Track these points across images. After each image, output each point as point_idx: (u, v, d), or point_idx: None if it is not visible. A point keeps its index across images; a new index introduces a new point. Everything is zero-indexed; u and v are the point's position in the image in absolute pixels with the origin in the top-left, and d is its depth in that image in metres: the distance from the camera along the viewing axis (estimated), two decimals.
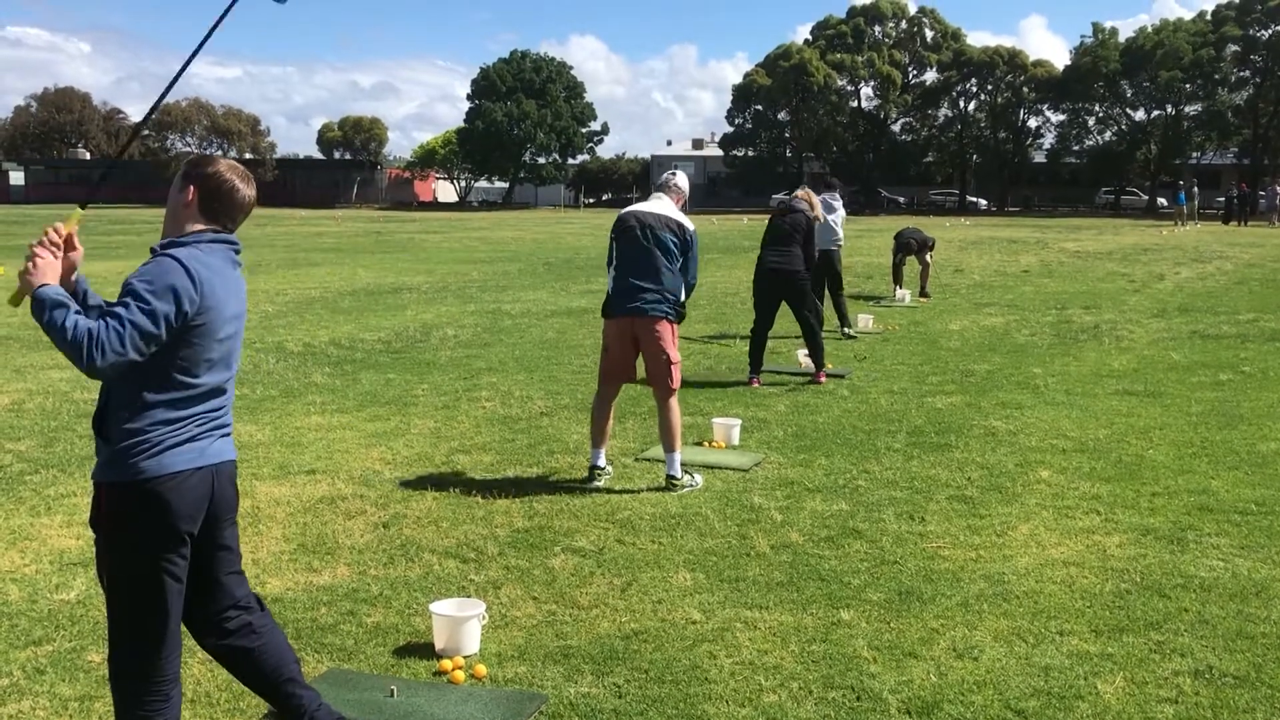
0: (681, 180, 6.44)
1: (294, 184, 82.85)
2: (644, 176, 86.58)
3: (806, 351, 9.49)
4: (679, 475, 6.06)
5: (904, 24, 75.44)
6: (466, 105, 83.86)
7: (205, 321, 2.85)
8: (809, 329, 9.25)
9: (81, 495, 5.75)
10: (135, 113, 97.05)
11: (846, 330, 12.23)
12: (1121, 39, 68.98)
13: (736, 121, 76.79)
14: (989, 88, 73.94)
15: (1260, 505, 5.73)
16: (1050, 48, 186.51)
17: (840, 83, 73.20)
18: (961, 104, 75.64)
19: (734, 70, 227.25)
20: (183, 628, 3.06)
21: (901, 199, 75.47)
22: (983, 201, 74.66)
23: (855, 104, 76.05)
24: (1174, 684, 3.71)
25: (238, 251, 3.04)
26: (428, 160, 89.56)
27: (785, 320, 9.84)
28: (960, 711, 3.53)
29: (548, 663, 3.90)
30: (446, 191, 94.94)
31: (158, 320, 2.76)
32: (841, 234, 12.56)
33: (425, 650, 3.99)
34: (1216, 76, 65.20)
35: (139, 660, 2.92)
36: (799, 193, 9.66)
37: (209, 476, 2.93)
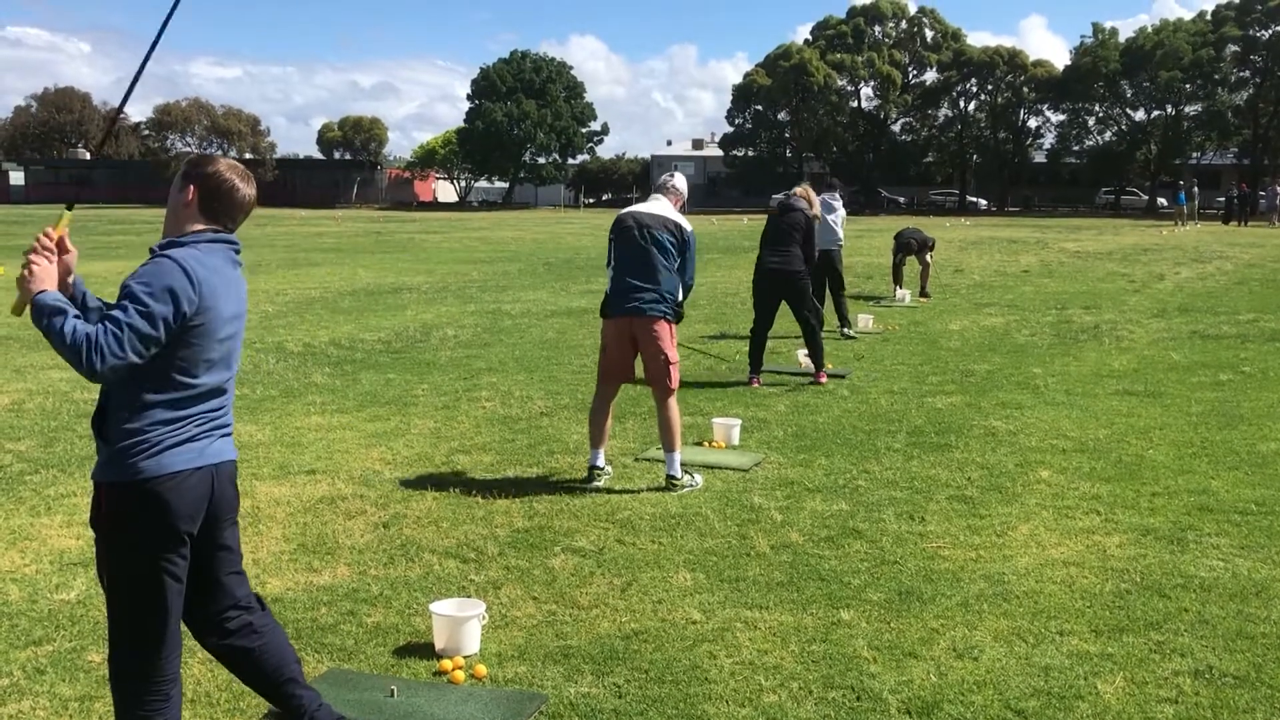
0: (679, 182, 6.45)
1: (294, 184, 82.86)
2: (644, 176, 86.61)
3: (806, 352, 9.49)
4: (679, 475, 6.06)
5: (904, 24, 75.47)
6: (466, 105, 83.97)
7: (204, 322, 2.85)
8: (809, 329, 9.25)
9: (81, 495, 5.75)
10: (135, 112, 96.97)
11: (846, 331, 12.22)
12: (1121, 39, 69.01)
13: (736, 121, 76.82)
14: (989, 88, 73.96)
15: (1260, 505, 5.73)
16: (1050, 48, 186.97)
17: (840, 83, 73.22)
18: (961, 104, 75.67)
19: (734, 70, 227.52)
20: (183, 627, 3.06)
21: (901, 199, 75.48)
22: (983, 201, 74.68)
23: (855, 104, 76.07)
24: (1174, 684, 3.71)
25: (238, 251, 3.04)
26: (428, 160, 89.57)
27: (785, 320, 9.84)
28: (960, 711, 3.53)
29: (548, 663, 3.90)
30: (446, 191, 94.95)
31: (156, 323, 2.76)
32: (842, 234, 12.56)
33: (425, 650, 3.99)
34: (1216, 77, 65.22)
35: (139, 660, 2.92)
36: (797, 190, 9.61)
37: (208, 476, 2.93)
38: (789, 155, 76.01)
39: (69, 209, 3.04)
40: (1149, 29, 68.55)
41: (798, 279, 9.20)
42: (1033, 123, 75.34)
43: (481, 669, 3.83)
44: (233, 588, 3.09)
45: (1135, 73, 66.95)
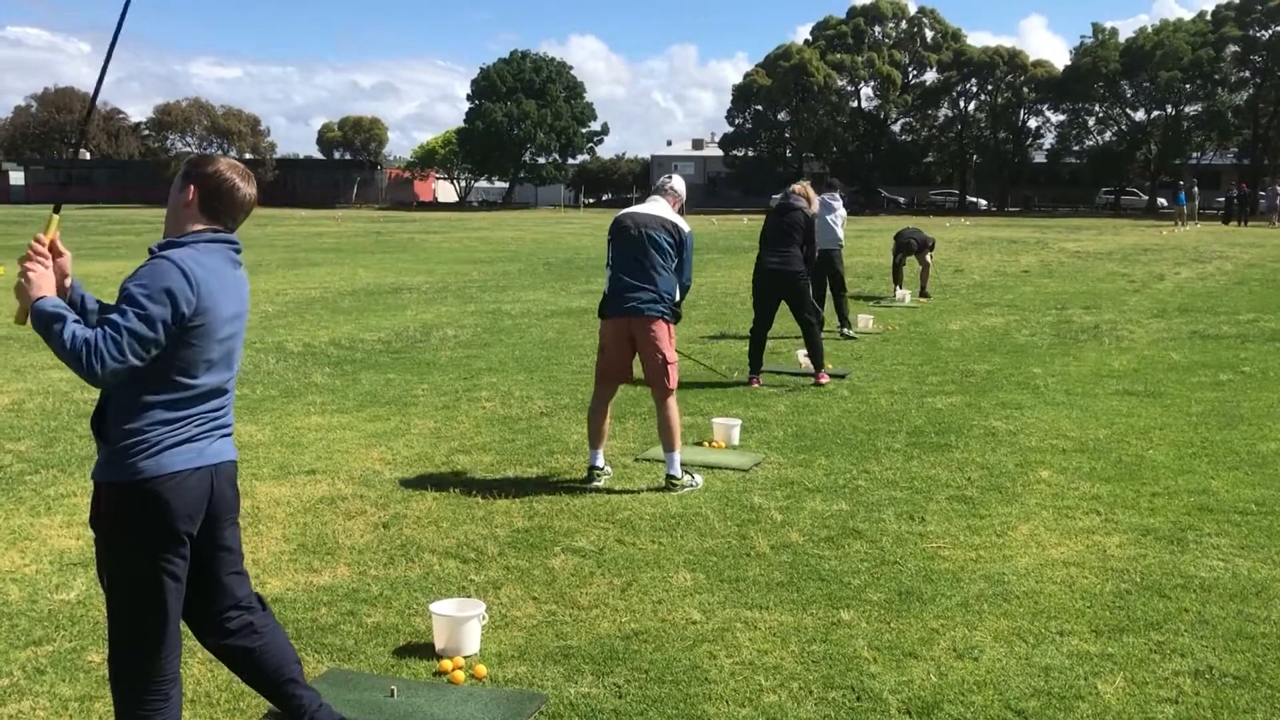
0: (678, 184, 6.48)
1: (294, 184, 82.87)
2: (644, 176, 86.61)
3: (806, 352, 9.49)
4: (679, 475, 6.06)
5: (904, 24, 75.46)
6: (466, 105, 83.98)
7: (203, 323, 2.85)
8: (808, 330, 9.25)
9: (81, 495, 5.75)
10: (135, 113, 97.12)
11: (846, 331, 12.22)
12: (1121, 39, 69.01)
13: (736, 121, 76.81)
14: (989, 88, 73.95)
15: (1260, 505, 5.73)
16: (1050, 48, 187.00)
17: (840, 83, 73.22)
18: (961, 104, 75.67)
19: (734, 70, 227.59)
20: (184, 627, 3.06)
21: (901, 199, 75.49)
22: (983, 202, 74.68)
23: (855, 104, 76.07)
24: (1174, 684, 3.71)
25: (238, 251, 3.04)
26: (428, 160, 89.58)
27: (785, 320, 9.84)
28: (960, 712, 3.53)
29: (548, 663, 3.90)
30: (446, 191, 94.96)
31: (155, 325, 2.76)
32: (842, 234, 12.55)
33: (425, 650, 3.99)
34: (1216, 77, 65.22)
35: (139, 660, 2.92)
36: (796, 188, 9.56)
37: (208, 476, 2.93)
38: (789, 155, 76.01)
39: (56, 212, 3.03)
40: (1149, 29, 68.58)
41: (798, 279, 9.20)
42: (1033, 123, 75.41)
43: (481, 669, 3.83)
44: (233, 588, 3.09)
45: (1135, 73, 66.96)
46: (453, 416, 7.95)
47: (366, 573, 4.78)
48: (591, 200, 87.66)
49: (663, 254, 6.08)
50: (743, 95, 75.25)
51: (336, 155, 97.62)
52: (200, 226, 2.96)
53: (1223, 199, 52.55)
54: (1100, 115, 71.79)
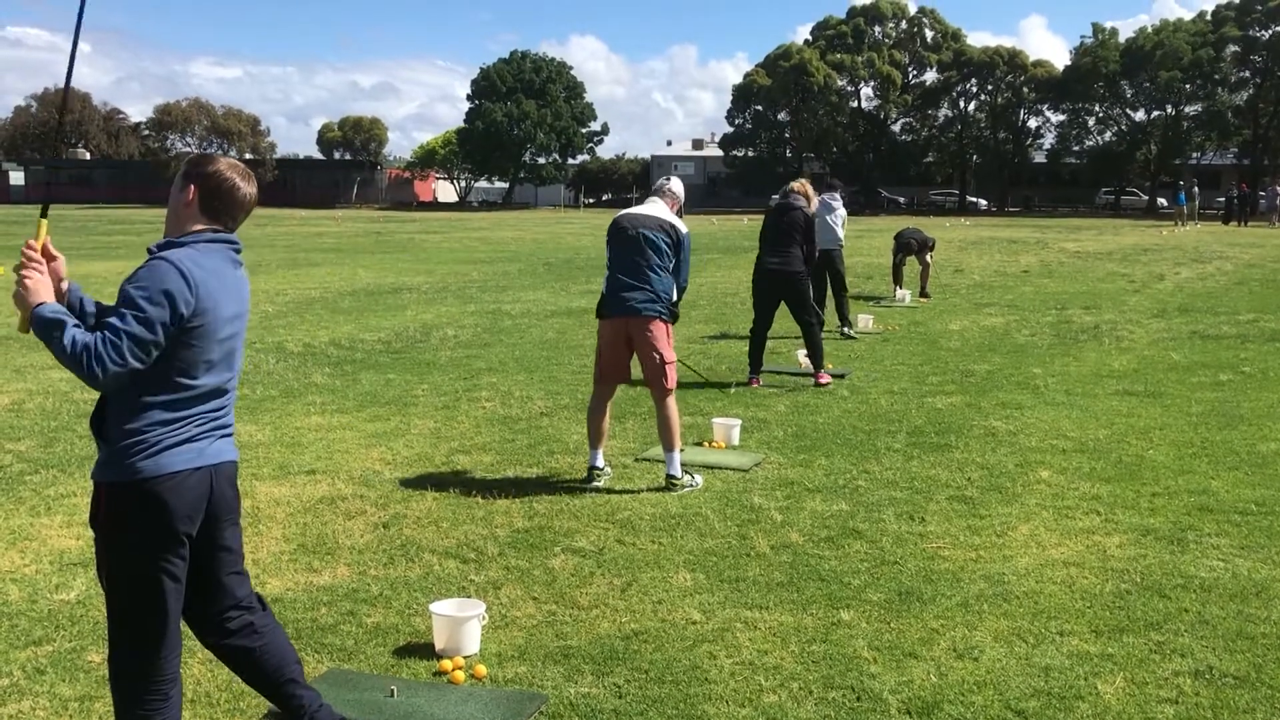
0: (676, 186, 6.51)
1: (294, 184, 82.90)
2: (644, 177, 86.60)
3: (806, 352, 9.48)
4: (679, 475, 6.06)
5: (904, 24, 75.47)
6: (466, 105, 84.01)
7: (202, 324, 2.85)
8: (808, 330, 9.24)
9: (81, 495, 5.75)
10: (135, 113, 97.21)
11: (846, 330, 12.23)
12: (1121, 39, 69.02)
13: (736, 122, 76.81)
14: (989, 88, 73.97)
15: (1260, 505, 5.73)
16: (1050, 48, 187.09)
17: (840, 83, 73.22)
18: (961, 104, 75.68)
19: (734, 70, 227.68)
20: (185, 627, 3.06)
21: (901, 199, 75.50)
22: (983, 202, 74.68)
23: (855, 104, 76.07)
24: (1174, 684, 3.71)
25: (238, 250, 3.04)
26: (428, 160, 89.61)
27: (785, 320, 9.84)
28: (960, 712, 3.53)
29: (548, 663, 3.90)
30: (446, 192, 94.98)
31: (154, 327, 2.76)
32: (842, 234, 12.55)
33: (425, 650, 3.99)
34: (1216, 77, 65.24)
35: (139, 660, 2.92)
36: (795, 186, 9.51)
37: (207, 477, 2.92)
38: (789, 155, 76.00)
39: (43, 216, 3.02)
40: (1149, 29, 68.58)
41: (798, 280, 9.19)
42: (1033, 123, 75.44)
43: (481, 669, 3.83)
44: (233, 588, 3.09)
45: (1135, 73, 66.97)
46: (453, 416, 7.95)
47: (366, 573, 4.78)
48: (591, 200, 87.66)
49: (660, 254, 6.10)
50: (743, 95, 75.26)
51: (336, 155, 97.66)
52: (200, 226, 2.96)
53: (1223, 199, 52.56)
54: (1100, 115, 71.80)
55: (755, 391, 8.95)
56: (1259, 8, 63.83)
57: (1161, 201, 63.70)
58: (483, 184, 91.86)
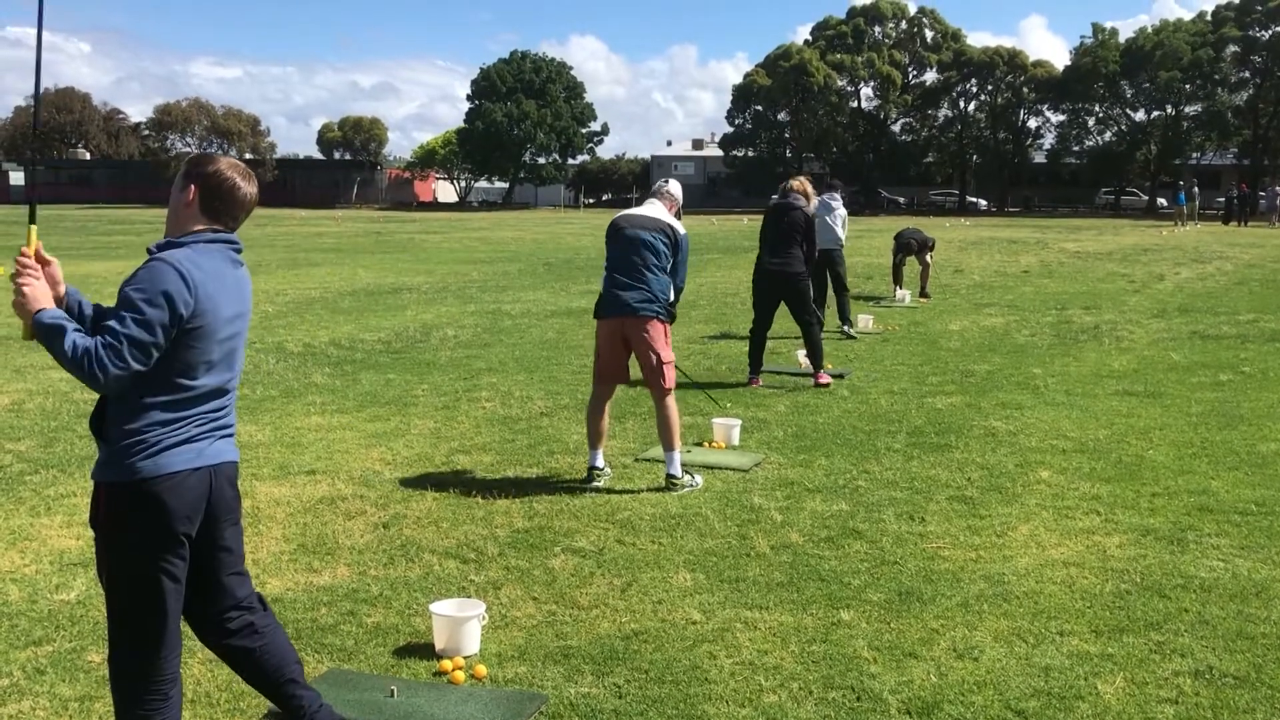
0: (674, 188, 6.55)
1: (294, 184, 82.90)
2: (644, 177, 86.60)
3: (806, 353, 9.49)
4: (679, 475, 6.07)
5: (904, 24, 75.49)
6: (466, 105, 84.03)
7: (201, 324, 2.85)
8: (808, 331, 9.23)
9: (81, 495, 5.75)
10: (135, 113, 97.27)
11: (847, 329, 12.23)
12: (1121, 39, 69.03)
13: (736, 122, 76.81)
14: (989, 88, 73.98)
15: (1260, 505, 5.73)
16: (1050, 48, 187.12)
17: (840, 83, 73.23)
18: (961, 104, 75.70)
19: (734, 70, 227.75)
20: (185, 627, 3.06)
21: (901, 199, 75.51)
22: (983, 202, 74.69)
23: (855, 104, 76.08)
24: (1174, 684, 3.71)
25: (238, 250, 3.03)
26: (428, 160, 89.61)
27: (785, 320, 9.84)
28: (960, 712, 3.53)
29: (548, 663, 3.90)
30: (446, 192, 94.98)
31: (154, 329, 2.76)
32: (843, 234, 12.54)
33: (425, 650, 3.99)
34: (1216, 77, 65.25)
35: (139, 660, 2.92)
36: (794, 184, 9.46)
37: (207, 477, 2.92)
38: (789, 155, 76.00)
39: (32, 222, 3.01)
40: (1149, 29, 68.61)
41: (798, 281, 9.18)
42: (1033, 123, 75.46)
43: (481, 669, 3.83)
44: (234, 588, 3.09)
45: (1135, 73, 66.98)
46: (453, 416, 7.95)
47: (366, 573, 4.78)
48: (591, 200, 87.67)
49: (657, 255, 6.13)
50: (743, 95, 75.26)
51: (336, 155, 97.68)
52: (201, 227, 2.96)
53: (1223, 199, 52.56)
54: (1100, 115, 71.81)
55: (755, 391, 8.95)
56: (1259, 8, 63.84)
57: (1161, 202, 63.71)
58: (483, 184, 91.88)
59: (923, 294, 16.22)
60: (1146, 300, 15.99)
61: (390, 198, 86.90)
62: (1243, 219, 46.50)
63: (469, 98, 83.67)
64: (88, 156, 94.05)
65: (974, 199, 75.09)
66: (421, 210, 75.56)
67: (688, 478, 6.10)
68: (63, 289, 2.94)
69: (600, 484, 6.13)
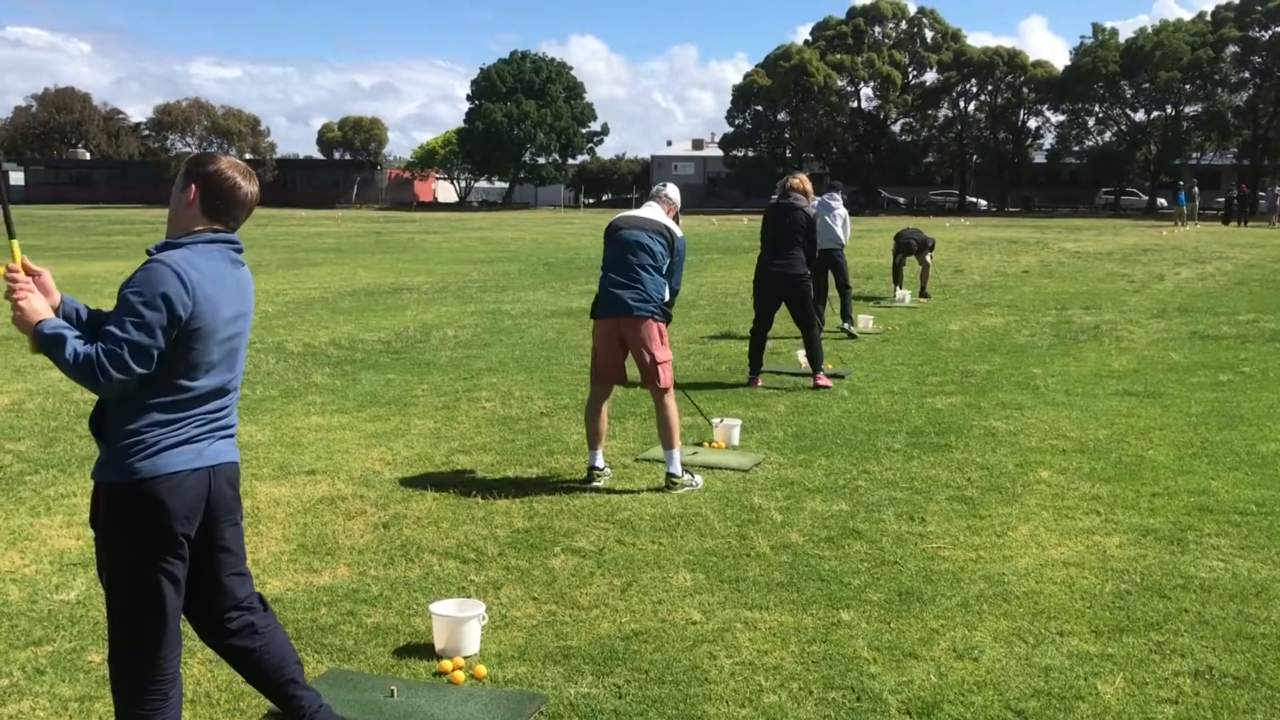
0: (672, 191, 6.61)
1: (294, 184, 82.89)
2: (644, 177, 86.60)
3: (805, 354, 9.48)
4: (679, 474, 6.07)
5: (904, 24, 75.49)
6: (466, 105, 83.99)
7: (200, 325, 2.84)
8: (808, 332, 9.22)
9: (81, 495, 5.75)
10: (135, 113, 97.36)
11: (848, 328, 12.24)
12: (1121, 40, 69.03)
13: (736, 122, 76.81)
14: (989, 88, 73.98)
15: (1260, 505, 5.73)
16: (1050, 48, 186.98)
17: (840, 83, 73.22)
18: (961, 104, 75.69)
19: (734, 70, 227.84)
20: (186, 627, 3.06)
21: (901, 199, 75.51)
22: (983, 202, 74.69)
23: (855, 104, 76.07)
24: (1174, 684, 3.71)
25: (239, 250, 3.03)
26: (428, 160, 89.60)
27: (785, 320, 9.84)
28: (960, 712, 3.53)
29: (548, 663, 3.90)
30: (446, 192, 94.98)
31: (153, 332, 2.76)
32: (843, 234, 12.53)
33: (425, 650, 3.99)
34: (1216, 77, 65.26)
35: (138, 660, 2.92)
36: (794, 182, 9.40)
37: (206, 477, 2.92)
38: (789, 155, 75.99)
39: (11, 237, 2.99)
40: (1149, 29, 68.62)
41: (800, 282, 9.17)
42: (1032, 123, 75.46)
43: (481, 669, 3.83)
44: (234, 589, 3.09)
45: (1135, 73, 66.98)
46: (453, 417, 7.95)
47: (366, 573, 4.78)
48: (591, 200, 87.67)
49: (653, 256, 6.16)
50: (743, 95, 75.25)
51: (336, 155, 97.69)
52: (201, 226, 2.96)
53: (1223, 199, 52.56)
54: (1100, 115, 71.81)
55: (755, 391, 8.95)
56: (1259, 8, 63.85)
57: (1161, 202, 63.72)
58: (483, 184, 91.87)
59: (923, 294, 16.22)
60: (1146, 300, 15.99)
61: (390, 198, 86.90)
62: (1243, 219, 46.51)
63: (469, 98, 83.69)
64: (88, 156, 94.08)
65: (974, 199, 75.09)
66: (421, 210, 75.56)
67: (687, 477, 6.10)
68: (57, 297, 2.93)
69: (600, 484, 6.13)
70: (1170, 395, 8.73)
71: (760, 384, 9.19)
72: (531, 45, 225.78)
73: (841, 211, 12.61)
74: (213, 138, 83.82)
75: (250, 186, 3.03)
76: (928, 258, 16.34)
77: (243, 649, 3.11)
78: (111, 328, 2.76)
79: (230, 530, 3.06)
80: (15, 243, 2.94)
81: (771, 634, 4.13)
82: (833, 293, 12.45)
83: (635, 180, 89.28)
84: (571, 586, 4.62)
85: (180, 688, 3.04)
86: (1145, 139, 68.85)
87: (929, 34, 75.20)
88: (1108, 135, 72.17)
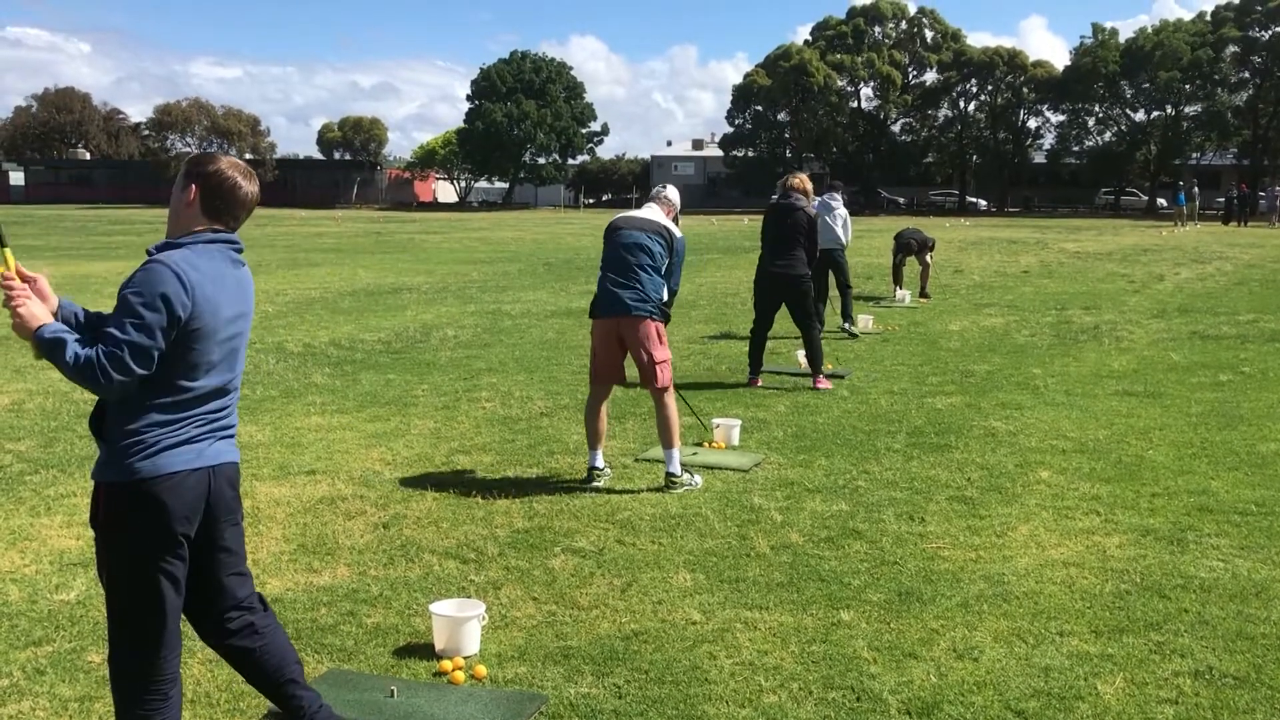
0: (672, 193, 6.63)
1: (294, 184, 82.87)
2: (644, 177, 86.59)
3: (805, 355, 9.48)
4: (678, 473, 6.07)
5: (904, 24, 75.49)
6: (466, 105, 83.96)
7: (199, 326, 2.84)
8: (808, 334, 9.21)
9: (81, 495, 5.75)
10: (135, 113, 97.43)
11: (848, 327, 12.24)
12: (1121, 40, 69.04)
13: (736, 122, 76.81)
14: (989, 88, 73.97)
15: (1260, 506, 5.73)
16: (1050, 48, 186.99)
17: (840, 83, 73.22)
18: (961, 104, 75.68)
19: (734, 71, 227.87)
20: (186, 627, 3.06)
21: (901, 199, 75.51)
22: (982, 202, 74.68)
23: (855, 104, 76.07)
24: (1174, 685, 3.71)
25: (239, 250, 3.03)
26: (428, 161, 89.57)
27: (786, 321, 9.84)
28: (960, 712, 3.53)
29: (548, 663, 3.90)
30: (446, 192, 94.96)
31: (153, 333, 2.76)
32: (844, 235, 12.52)
33: (425, 651, 3.99)
34: (1216, 77, 65.26)
35: (138, 660, 2.93)
36: (794, 182, 9.37)
37: (205, 478, 2.92)
38: (789, 155, 75.99)
39: (4, 245, 2.99)
40: (1149, 29, 68.62)
41: (801, 283, 9.17)
42: (1032, 123, 75.46)
43: (481, 669, 3.83)
44: (234, 589, 3.09)
45: (1135, 73, 66.98)
46: (453, 417, 7.95)
47: (366, 573, 4.78)
48: (591, 201, 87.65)
49: (652, 257, 6.17)
50: (743, 95, 75.25)
51: (336, 155, 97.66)
52: (201, 226, 2.96)
53: (1222, 199, 52.57)
54: (1100, 115, 71.81)
55: (755, 391, 8.95)
56: (1259, 8, 63.85)
57: (1161, 202, 63.72)
58: (483, 184, 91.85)
59: (923, 294, 16.22)
60: (1146, 300, 15.99)
61: (390, 198, 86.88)
62: (1242, 219, 46.51)
63: (469, 98, 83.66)
64: (88, 156, 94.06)
65: (974, 199, 75.08)
66: (421, 210, 75.55)
67: (687, 476, 6.11)
68: (55, 302, 2.93)
69: (600, 484, 6.13)
70: (1170, 395, 8.73)
71: (760, 384, 9.19)
72: (531, 45, 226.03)
73: (842, 212, 12.61)
74: (213, 138, 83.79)
75: (250, 186, 3.03)
76: (928, 258, 16.34)
77: (243, 649, 3.11)
78: (111, 329, 2.76)
79: (230, 530, 3.06)
80: (7, 251, 2.94)
81: (771, 634, 4.13)
82: (833, 292, 12.46)
83: (635, 180, 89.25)
84: (571, 586, 4.62)
85: (180, 688, 3.04)
86: (1145, 139, 68.85)
87: (929, 34, 75.21)
88: (1108, 135, 72.18)
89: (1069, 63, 70.69)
